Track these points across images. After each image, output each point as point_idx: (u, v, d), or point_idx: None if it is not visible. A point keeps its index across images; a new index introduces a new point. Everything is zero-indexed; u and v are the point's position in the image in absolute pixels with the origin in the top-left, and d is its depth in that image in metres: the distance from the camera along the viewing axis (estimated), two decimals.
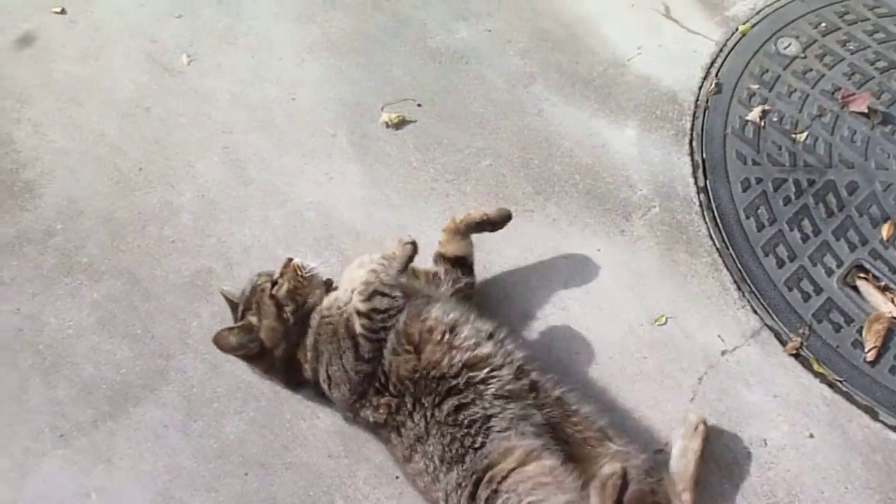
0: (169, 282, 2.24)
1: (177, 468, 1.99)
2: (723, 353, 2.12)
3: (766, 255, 2.26)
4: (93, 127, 2.51)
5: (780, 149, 2.41)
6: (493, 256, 2.24)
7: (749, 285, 2.22)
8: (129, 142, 2.47)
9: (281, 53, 2.64)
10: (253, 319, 1.89)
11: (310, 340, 1.87)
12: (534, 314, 2.16)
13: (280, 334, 1.88)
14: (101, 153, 2.46)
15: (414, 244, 1.86)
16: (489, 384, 1.75)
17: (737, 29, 2.64)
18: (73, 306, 2.22)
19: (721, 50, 2.61)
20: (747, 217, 2.32)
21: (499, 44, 2.63)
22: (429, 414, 1.74)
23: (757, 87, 2.52)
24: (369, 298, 1.77)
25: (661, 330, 2.15)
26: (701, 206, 2.34)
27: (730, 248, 2.27)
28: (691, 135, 2.46)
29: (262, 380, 2.07)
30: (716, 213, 2.33)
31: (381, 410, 1.80)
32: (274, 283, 1.90)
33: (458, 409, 1.72)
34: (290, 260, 1.94)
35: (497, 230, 2.08)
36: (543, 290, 2.20)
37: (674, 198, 2.34)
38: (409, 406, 1.76)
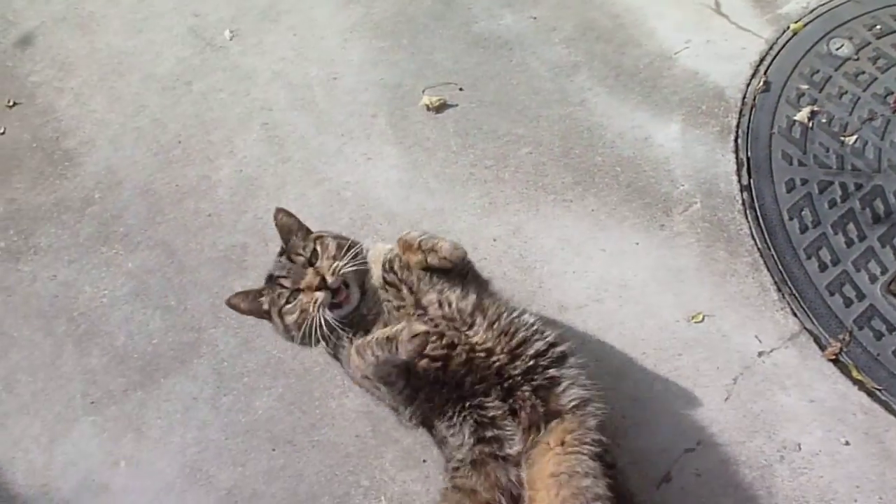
0: (204, 255, 2.25)
1: (205, 441, 2.00)
2: (759, 354, 2.08)
3: (809, 257, 2.21)
4: (134, 99, 2.52)
5: (827, 151, 2.35)
6: (529, 245, 2.21)
7: (790, 287, 2.17)
8: (170, 115, 2.48)
9: (323, 33, 2.63)
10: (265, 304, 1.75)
11: None
12: (568, 305, 2.13)
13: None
14: (141, 125, 2.47)
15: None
16: None
17: (788, 27, 2.58)
18: (109, 275, 2.23)
19: (771, 48, 2.55)
20: (791, 218, 2.27)
21: (543, 32, 2.59)
22: None
23: (806, 87, 2.46)
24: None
25: (697, 328, 2.11)
26: (743, 204, 2.29)
27: (771, 249, 2.22)
28: (737, 132, 2.41)
29: (292, 357, 2.07)
30: (758, 213, 2.28)
31: None
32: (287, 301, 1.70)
33: None
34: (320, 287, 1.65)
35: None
36: (579, 281, 2.17)
37: (716, 195, 2.30)
38: None
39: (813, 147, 2.37)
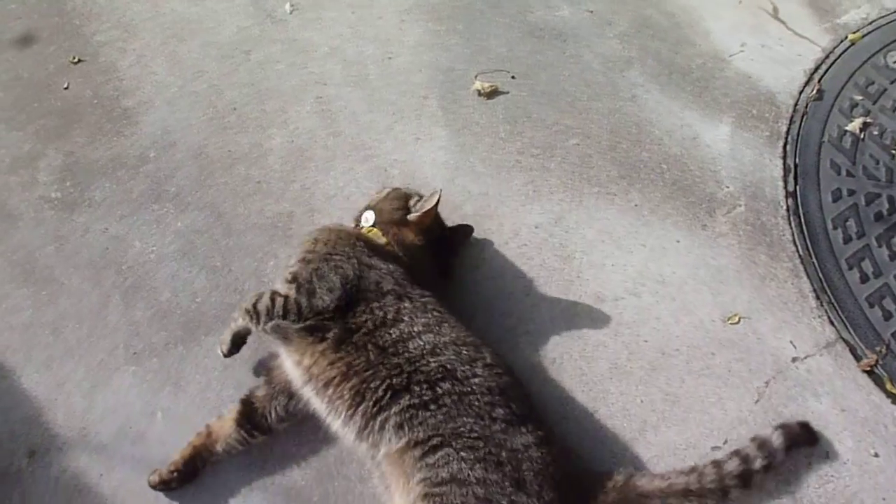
0: (251, 220, 2.30)
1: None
2: (793, 359, 2.08)
3: (851, 268, 2.21)
4: (193, 64, 2.58)
5: (877, 163, 2.34)
6: (570, 235, 2.23)
7: (829, 296, 2.17)
8: (227, 82, 2.54)
9: (381, 13, 2.67)
10: None
11: None
12: (605, 296, 2.15)
13: None
14: (198, 89, 2.53)
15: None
16: None
17: (846, 37, 2.57)
18: (158, 232, 2.30)
19: (827, 56, 2.54)
20: (835, 227, 2.26)
21: (599, 26, 2.60)
22: None
23: (860, 98, 2.45)
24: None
25: (732, 329, 2.12)
26: (788, 210, 2.29)
27: (813, 257, 2.22)
28: (786, 138, 2.41)
29: None
30: (802, 220, 2.28)
31: None
32: None
33: None
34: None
35: None
36: (618, 274, 2.18)
37: (761, 199, 2.30)
38: None
39: (863, 158, 2.36)
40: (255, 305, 1.85)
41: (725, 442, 1.97)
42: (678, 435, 1.98)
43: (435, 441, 1.67)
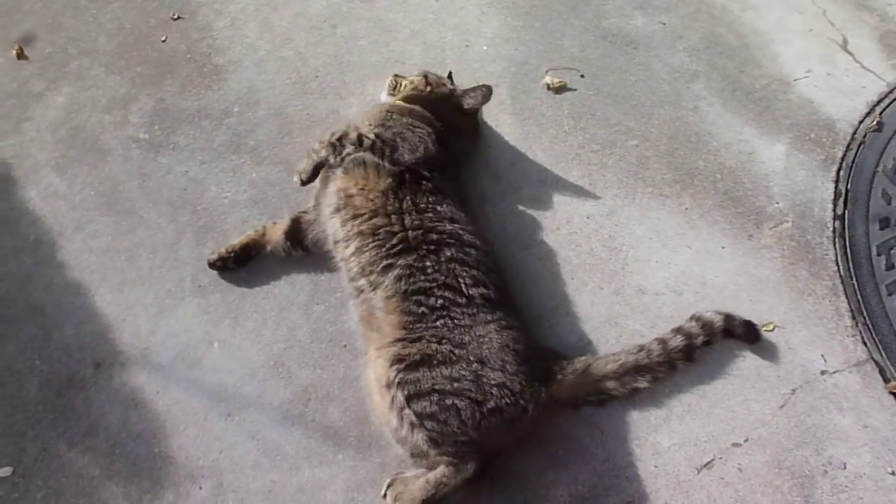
0: None
1: (292, 340, 2.19)
2: (822, 372, 2.15)
3: (890, 294, 2.26)
4: (283, 31, 2.74)
5: None
6: (620, 229, 2.33)
7: (865, 317, 2.23)
8: (312, 51, 2.69)
9: (463, 3, 2.81)
10: None
11: None
12: (647, 290, 2.25)
13: None
14: (285, 55, 2.69)
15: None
16: None
17: None
18: (234, 180, 2.45)
19: (891, 91, 2.60)
20: (878, 254, 2.32)
21: (670, 38, 2.71)
22: None
23: None
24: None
25: (766, 335, 2.19)
26: (834, 232, 2.36)
27: (853, 279, 2.29)
28: (840, 164, 2.47)
29: None
30: (847, 243, 2.34)
31: None
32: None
33: None
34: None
35: None
36: (661, 271, 2.28)
37: (808, 218, 2.37)
38: None
39: None
40: (340, 140, 2.15)
41: (746, 440, 2.05)
42: (701, 427, 2.07)
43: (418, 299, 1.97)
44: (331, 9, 2.78)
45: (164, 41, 2.73)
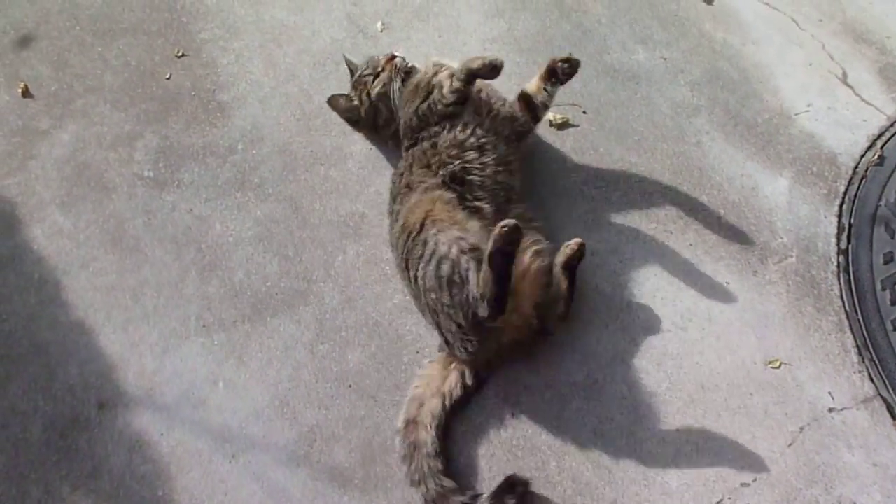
0: (325, 217, 2.45)
1: (297, 380, 2.18)
2: (830, 410, 2.14)
3: (895, 329, 2.26)
4: (287, 68, 2.76)
5: None
6: (624, 265, 2.34)
7: (871, 353, 2.22)
8: (317, 87, 2.71)
9: (466, 39, 2.83)
10: (355, 101, 2.48)
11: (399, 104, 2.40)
12: (653, 328, 2.24)
13: (372, 115, 2.46)
14: (290, 91, 2.71)
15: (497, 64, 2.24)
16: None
17: None
18: (238, 218, 2.46)
19: (892, 125, 2.61)
20: (883, 289, 2.32)
21: (671, 72, 2.72)
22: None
23: None
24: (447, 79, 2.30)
25: (772, 372, 2.19)
26: (838, 267, 2.36)
27: (858, 314, 2.28)
28: (843, 198, 2.48)
29: (388, 322, 2.25)
30: (852, 277, 2.34)
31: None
32: (375, 77, 2.44)
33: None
34: (393, 57, 2.46)
35: (569, 75, 2.33)
36: (667, 307, 2.27)
37: (813, 253, 2.37)
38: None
39: None
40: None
41: (755, 480, 2.04)
42: (709, 467, 2.06)
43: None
44: (334, 45, 2.80)
45: (168, 78, 2.75)
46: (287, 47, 2.81)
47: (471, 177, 2.19)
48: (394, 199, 2.28)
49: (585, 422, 2.12)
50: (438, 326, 2.08)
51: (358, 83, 2.48)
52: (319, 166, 2.55)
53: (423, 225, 2.07)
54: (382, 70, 2.45)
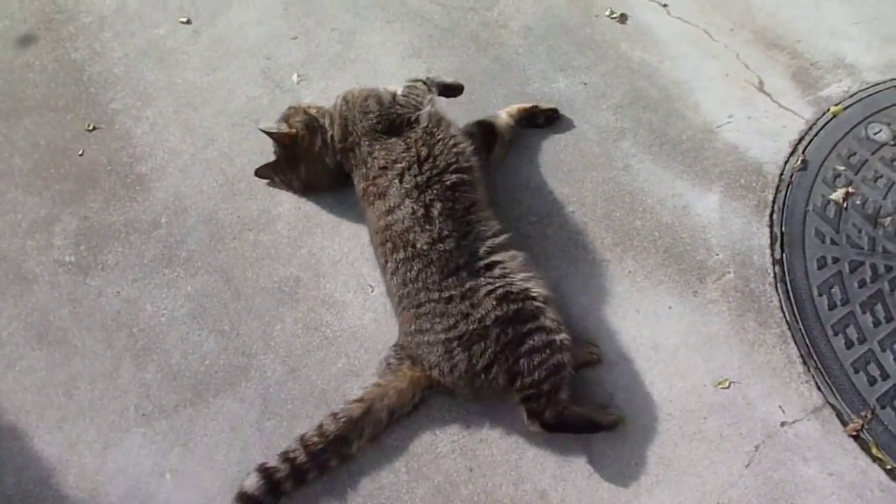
0: (259, 285, 2.38)
1: (248, 461, 2.11)
2: (782, 424, 2.15)
3: (836, 334, 2.29)
4: (205, 132, 2.69)
5: (860, 232, 2.44)
6: (567, 301, 2.32)
7: (815, 362, 2.25)
8: (237, 149, 2.64)
9: (385, 82, 2.76)
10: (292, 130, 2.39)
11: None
12: (601, 361, 2.23)
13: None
14: (210, 157, 2.63)
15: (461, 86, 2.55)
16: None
17: (828, 110, 2.69)
18: (169, 296, 2.38)
19: (810, 128, 2.66)
20: (820, 294, 2.35)
21: (593, 98, 2.73)
22: (435, 174, 2.19)
23: (843, 168, 2.56)
24: (413, 81, 2.40)
25: (723, 393, 2.20)
26: (775, 277, 2.38)
27: (800, 323, 2.31)
28: (773, 207, 2.51)
29: (335, 389, 2.19)
30: (789, 287, 2.37)
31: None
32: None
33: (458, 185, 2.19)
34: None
35: (547, 126, 2.64)
36: (611, 340, 2.27)
37: (749, 266, 2.39)
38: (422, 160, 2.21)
39: (846, 227, 2.46)
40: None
41: None
42: (671, 498, 2.05)
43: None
44: (251, 104, 2.74)
45: (81, 155, 2.65)
46: (203, 110, 2.74)
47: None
48: None
49: (545, 468, 2.10)
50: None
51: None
52: (248, 232, 2.48)
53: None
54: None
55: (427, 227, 2.11)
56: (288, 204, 2.52)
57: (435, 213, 2.12)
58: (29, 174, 2.62)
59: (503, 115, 2.56)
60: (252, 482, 1.98)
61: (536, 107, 2.60)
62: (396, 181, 2.18)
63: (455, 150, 2.25)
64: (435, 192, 2.15)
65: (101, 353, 2.29)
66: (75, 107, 2.76)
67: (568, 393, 2.05)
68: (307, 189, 2.50)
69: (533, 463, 2.10)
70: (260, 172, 2.50)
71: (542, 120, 2.62)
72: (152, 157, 2.64)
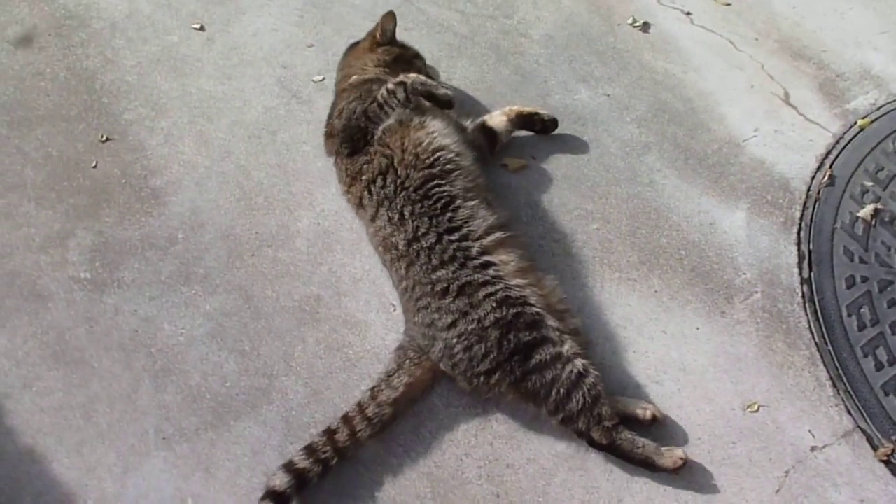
0: (279, 304, 2.34)
1: None
2: (812, 449, 2.13)
3: (866, 356, 2.26)
4: (221, 143, 2.63)
5: (889, 250, 2.41)
6: (593, 322, 2.29)
7: (845, 384, 2.22)
8: (254, 162, 2.59)
9: None
10: None
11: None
12: (628, 385, 2.20)
13: None
14: (226, 170, 2.58)
15: (451, 101, 2.37)
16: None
17: (855, 123, 2.65)
18: (187, 315, 2.34)
19: (837, 142, 2.62)
20: (849, 315, 2.32)
21: (617, 110, 2.68)
22: (399, 182, 2.21)
23: (871, 184, 2.52)
24: (399, 84, 2.32)
25: (752, 417, 2.16)
26: (803, 297, 2.35)
27: (829, 344, 2.28)
28: (800, 224, 2.47)
29: None
30: (818, 307, 2.33)
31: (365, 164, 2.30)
32: None
33: (426, 182, 2.20)
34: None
35: (542, 134, 2.60)
36: (640, 362, 2.23)
37: (777, 286, 2.36)
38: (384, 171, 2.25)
39: (875, 245, 2.42)
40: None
41: None
42: None
43: None
44: (268, 114, 2.68)
45: (95, 167, 2.60)
46: (218, 121, 2.68)
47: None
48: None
49: (573, 494, 2.07)
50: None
51: None
52: (266, 249, 2.43)
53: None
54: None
55: (402, 228, 2.17)
56: (307, 220, 2.48)
57: (406, 214, 2.18)
58: (42, 186, 2.56)
59: (501, 118, 2.53)
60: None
61: (538, 114, 2.56)
62: (366, 192, 2.27)
63: (421, 150, 2.24)
64: (403, 197, 2.20)
65: (119, 373, 2.25)
66: (88, 116, 2.70)
67: (611, 410, 2.02)
68: None
69: (560, 489, 2.07)
70: None
71: (539, 127, 2.58)
72: (167, 170, 2.58)
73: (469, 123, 2.48)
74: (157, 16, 2.93)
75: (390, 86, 2.33)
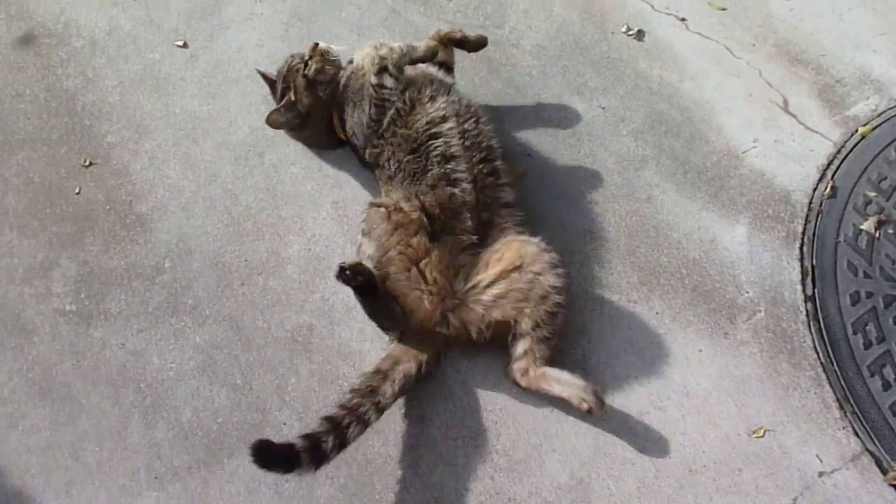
0: (271, 334, 2.28)
1: None
2: (820, 474, 2.08)
3: (872, 375, 2.21)
4: (207, 166, 2.56)
5: (894, 264, 2.35)
6: (593, 346, 2.23)
7: (852, 405, 2.17)
8: (241, 186, 2.52)
9: None
10: (291, 96, 2.34)
11: (341, 103, 2.36)
12: (630, 410, 2.15)
13: (315, 106, 2.36)
14: (213, 194, 2.51)
15: (436, 51, 2.39)
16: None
17: (856, 130, 2.58)
18: (177, 348, 2.27)
19: (839, 151, 2.55)
20: (855, 333, 2.27)
21: (612, 122, 2.61)
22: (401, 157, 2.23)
23: (874, 194, 2.47)
24: (379, 73, 2.23)
25: (758, 442, 2.12)
26: (808, 315, 2.30)
27: (834, 364, 2.23)
28: (802, 239, 2.41)
29: (355, 447, 2.10)
30: (822, 325, 2.28)
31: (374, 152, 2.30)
32: (305, 65, 2.33)
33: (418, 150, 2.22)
34: (317, 44, 2.36)
35: (471, 52, 2.58)
36: (642, 387, 2.18)
37: (780, 304, 2.30)
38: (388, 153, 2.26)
39: (879, 258, 2.37)
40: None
41: None
42: None
43: None
44: (254, 135, 2.61)
45: (78, 193, 2.52)
46: (203, 142, 2.61)
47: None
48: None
49: None
50: None
51: (288, 75, 2.38)
52: (257, 277, 2.37)
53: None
54: (310, 58, 2.36)
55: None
56: (297, 245, 2.41)
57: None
58: (23, 214, 2.49)
59: (431, 43, 2.44)
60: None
61: (465, 36, 2.53)
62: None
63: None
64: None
65: (108, 410, 2.19)
66: (69, 140, 2.62)
67: None
68: None
69: None
70: None
71: (468, 46, 2.56)
72: (152, 195, 2.51)
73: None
74: (139, 32, 2.84)
75: (373, 79, 2.25)
